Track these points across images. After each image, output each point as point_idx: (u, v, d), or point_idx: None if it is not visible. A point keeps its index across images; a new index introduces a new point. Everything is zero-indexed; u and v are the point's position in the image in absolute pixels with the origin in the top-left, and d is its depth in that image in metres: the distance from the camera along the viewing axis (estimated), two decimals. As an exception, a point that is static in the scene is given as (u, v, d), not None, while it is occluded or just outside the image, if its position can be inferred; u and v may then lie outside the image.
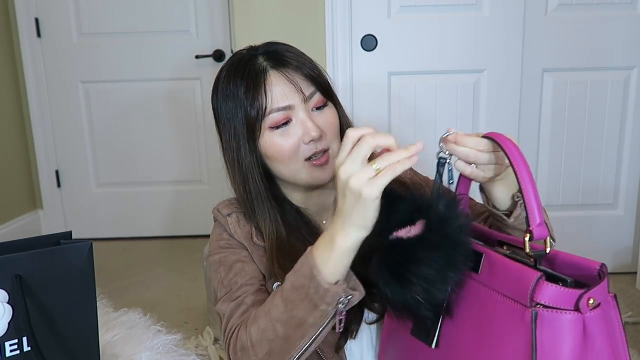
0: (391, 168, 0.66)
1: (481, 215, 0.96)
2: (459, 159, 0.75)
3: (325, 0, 2.08)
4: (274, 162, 0.91)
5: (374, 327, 0.92)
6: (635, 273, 2.23)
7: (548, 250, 0.64)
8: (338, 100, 0.96)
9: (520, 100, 2.17)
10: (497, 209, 0.84)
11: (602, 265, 0.60)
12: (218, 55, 2.68)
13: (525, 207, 0.65)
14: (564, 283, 0.60)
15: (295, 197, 0.98)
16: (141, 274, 2.46)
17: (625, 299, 2.10)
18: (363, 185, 0.65)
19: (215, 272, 0.94)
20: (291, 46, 0.94)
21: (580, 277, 0.61)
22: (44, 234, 0.71)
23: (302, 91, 0.88)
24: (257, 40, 0.96)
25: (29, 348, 0.63)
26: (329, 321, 0.74)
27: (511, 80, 2.15)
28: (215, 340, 1.88)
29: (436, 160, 0.76)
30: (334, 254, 0.71)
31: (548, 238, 0.64)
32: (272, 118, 0.87)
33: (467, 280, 0.69)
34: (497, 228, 0.87)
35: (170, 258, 2.64)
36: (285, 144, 0.88)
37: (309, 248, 0.75)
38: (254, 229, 0.94)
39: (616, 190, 2.26)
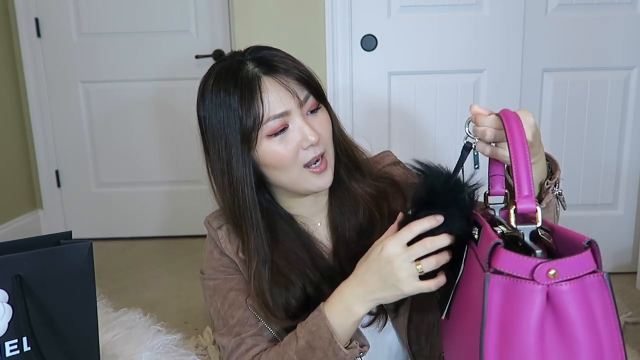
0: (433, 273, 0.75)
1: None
2: (479, 139, 0.75)
3: (325, 0, 2.08)
4: (272, 170, 0.89)
5: (367, 330, 0.92)
6: (635, 273, 2.23)
7: (539, 224, 0.63)
8: (328, 102, 0.96)
9: (520, 100, 2.17)
10: None
11: (591, 241, 0.59)
12: (218, 55, 2.67)
13: (513, 178, 0.64)
14: (532, 254, 0.60)
15: (289, 203, 0.97)
16: (141, 274, 2.46)
17: (625, 299, 2.10)
18: (407, 283, 0.74)
19: (210, 298, 0.96)
20: (277, 49, 0.92)
21: (573, 252, 0.60)
22: (44, 234, 0.71)
23: (297, 96, 0.86)
24: (258, 41, 0.96)
25: (29, 348, 0.63)
26: None
27: (511, 80, 2.15)
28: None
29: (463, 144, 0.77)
30: (352, 320, 0.80)
31: (538, 212, 0.63)
32: (269, 126, 0.85)
33: (470, 253, 0.70)
34: None
35: (170, 258, 2.64)
36: (284, 151, 0.86)
37: (321, 305, 0.82)
38: (240, 242, 0.93)
39: (616, 190, 2.26)
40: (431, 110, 2.18)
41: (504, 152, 0.75)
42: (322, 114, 0.91)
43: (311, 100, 0.89)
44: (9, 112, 2.71)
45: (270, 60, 0.88)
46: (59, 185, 2.87)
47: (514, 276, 0.59)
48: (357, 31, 2.12)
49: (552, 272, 0.56)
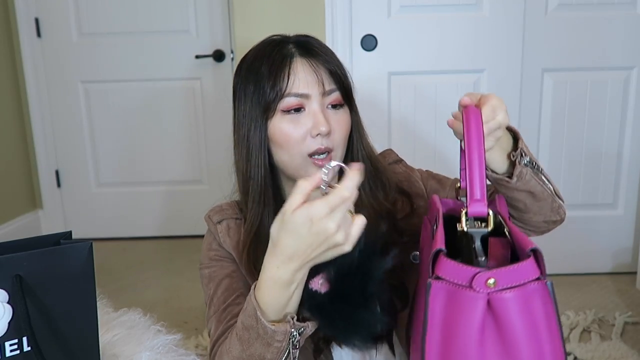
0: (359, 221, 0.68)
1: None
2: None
3: (325, 0, 2.08)
4: (278, 148, 0.90)
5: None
6: (635, 273, 2.23)
7: (490, 228, 0.63)
8: (356, 109, 0.96)
9: (520, 100, 2.17)
10: (498, 174, 0.83)
11: (535, 249, 0.58)
12: (218, 55, 2.67)
13: (467, 181, 0.64)
14: (476, 263, 0.60)
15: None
16: (141, 274, 2.46)
17: (625, 299, 2.10)
18: (350, 240, 0.67)
19: (205, 286, 0.95)
20: (323, 42, 0.94)
21: (521, 258, 0.60)
22: (44, 234, 0.71)
23: (323, 84, 0.88)
24: (257, 40, 0.97)
25: (29, 348, 0.63)
26: (289, 352, 0.74)
27: (511, 80, 2.15)
28: (215, 340, 1.88)
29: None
30: (281, 288, 0.71)
31: (491, 215, 0.63)
32: (287, 101, 0.87)
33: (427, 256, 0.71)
34: (503, 194, 0.85)
35: (170, 258, 2.64)
36: (292, 132, 0.87)
37: (252, 286, 0.75)
38: (243, 221, 0.94)
39: (616, 190, 2.26)
40: (431, 110, 2.18)
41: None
42: (344, 114, 0.92)
43: (336, 95, 0.90)
44: (9, 112, 2.71)
45: (310, 45, 0.91)
46: (59, 185, 2.87)
47: (455, 284, 0.59)
48: (357, 31, 2.12)
49: (491, 280, 0.57)
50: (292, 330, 0.72)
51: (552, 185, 0.87)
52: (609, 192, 2.25)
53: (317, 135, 0.87)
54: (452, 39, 2.12)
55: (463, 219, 0.64)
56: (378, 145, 1.09)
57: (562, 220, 0.92)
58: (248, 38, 2.16)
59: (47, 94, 2.77)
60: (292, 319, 0.73)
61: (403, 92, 2.17)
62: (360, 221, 0.68)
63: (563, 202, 0.91)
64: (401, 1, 2.10)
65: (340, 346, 0.80)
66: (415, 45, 2.13)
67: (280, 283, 0.71)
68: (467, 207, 0.63)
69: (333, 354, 0.89)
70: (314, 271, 0.73)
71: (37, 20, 2.69)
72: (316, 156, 0.89)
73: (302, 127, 0.87)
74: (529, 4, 2.08)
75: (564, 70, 2.15)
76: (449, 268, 0.59)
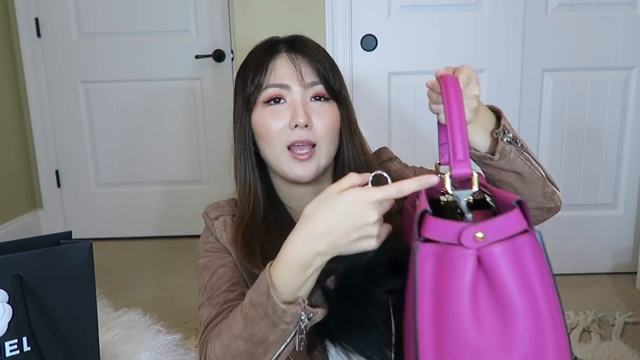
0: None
1: None
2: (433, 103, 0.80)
3: (325, 0, 2.08)
4: (261, 140, 0.92)
5: None
6: (635, 273, 2.23)
7: (475, 188, 0.62)
8: (347, 104, 0.95)
9: (520, 100, 2.17)
10: (481, 152, 0.83)
11: (520, 200, 0.57)
12: (218, 55, 2.67)
13: (449, 143, 0.63)
14: (463, 218, 0.58)
15: (285, 192, 0.98)
16: (141, 274, 2.46)
17: (625, 299, 2.10)
18: (380, 238, 0.68)
19: (199, 276, 0.95)
20: (316, 43, 0.96)
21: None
22: (44, 234, 0.71)
23: (302, 76, 0.89)
24: (257, 40, 0.97)
25: (29, 348, 0.63)
26: (292, 337, 0.73)
27: (511, 80, 2.15)
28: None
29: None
30: (299, 270, 0.70)
31: (474, 176, 0.62)
32: (266, 92, 0.90)
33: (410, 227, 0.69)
34: (490, 175, 0.85)
35: (170, 258, 2.64)
36: (272, 123, 0.89)
37: (268, 265, 0.74)
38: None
39: (616, 190, 2.26)
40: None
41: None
42: (329, 108, 0.91)
43: (319, 88, 0.91)
44: (9, 112, 2.71)
45: (297, 42, 0.93)
46: (59, 185, 2.87)
47: (443, 242, 0.57)
48: (357, 31, 2.12)
49: (479, 234, 0.55)
50: (302, 313, 0.71)
51: (542, 168, 0.86)
52: (609, 192, 2.25)
53: (296, 127, 0.88)
54: (452, 39, 2.12)
55: (447, 181, 0.63)
56: (378, 145, 1.09)
57: (557, 208, 0.90)
58: (248, 38, 2.16)
59: (47, 94, 2.77)
60: (304, 302, 0.72)
61: (403, 92, 2.17)
62: (387, 227, 0.69)
63: (558, 189, 0.89)
64: (401, 1, 2.10)
65: (333, 343, 0.80)
66: (415, 45, 2.13)
67: (299, 263, 0.70)
68: (450, 169, 0.62)
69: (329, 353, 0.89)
70: (329, 272, 0.72)
71: (37, 20, 2.69)
72: (297, 151, 0.89)
73: (282, 119, 0.89)
74: (529, 4, 2.08)
75: (564, 70, 2.15)
76: (436, 226, 0.58)
